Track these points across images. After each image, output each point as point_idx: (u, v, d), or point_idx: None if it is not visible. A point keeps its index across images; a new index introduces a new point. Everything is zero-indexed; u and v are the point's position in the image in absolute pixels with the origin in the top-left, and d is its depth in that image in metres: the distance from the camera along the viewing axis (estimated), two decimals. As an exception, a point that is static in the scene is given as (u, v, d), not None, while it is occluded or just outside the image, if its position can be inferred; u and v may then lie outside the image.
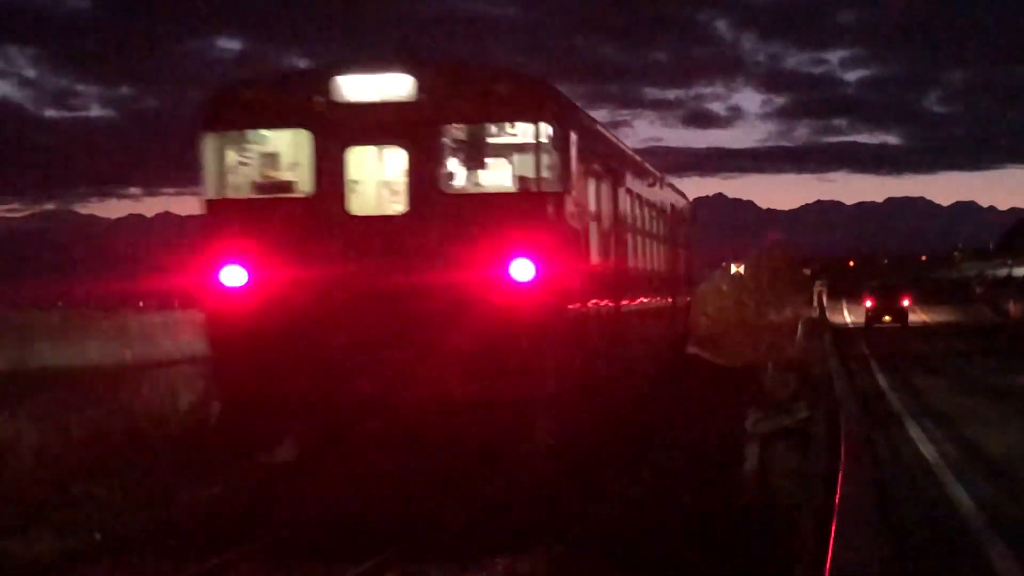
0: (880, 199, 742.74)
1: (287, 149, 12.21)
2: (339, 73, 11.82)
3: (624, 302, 15.64)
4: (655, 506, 12.25)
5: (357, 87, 11.77)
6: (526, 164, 12.02)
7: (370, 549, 10.45)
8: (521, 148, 12.24)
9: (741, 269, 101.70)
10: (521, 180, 12.05)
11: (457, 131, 11.97)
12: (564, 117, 12.09)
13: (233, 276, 11.74)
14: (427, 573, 10.10)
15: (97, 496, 12.67)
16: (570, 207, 12.14)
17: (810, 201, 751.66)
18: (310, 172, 11.80)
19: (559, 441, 11.75)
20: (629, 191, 16.18)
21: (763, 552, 10.09)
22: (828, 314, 61.53)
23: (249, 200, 12.08)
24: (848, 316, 65.29)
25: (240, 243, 11.79)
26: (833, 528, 8.50)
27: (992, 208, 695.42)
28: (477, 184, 12.20)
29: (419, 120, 11.62)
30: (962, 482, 12.38)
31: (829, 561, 7.38)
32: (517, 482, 11.46)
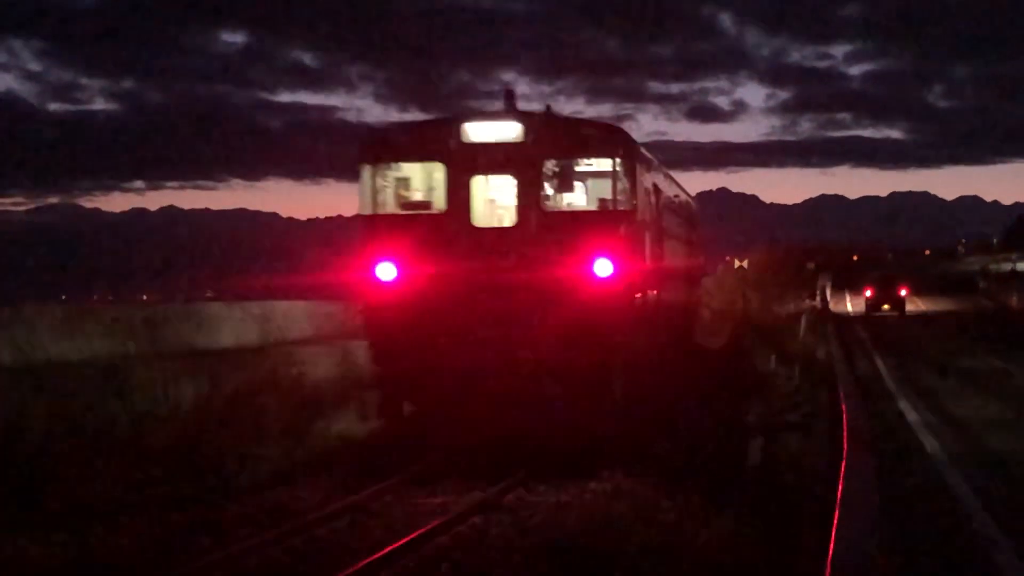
0: (884, 193, 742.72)
1: (425, 177, 16.34)
2: (466, 121, 15.97)
3: (667, 291, 19.85)
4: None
5: (479, 131, 15.89)
6: (603, 189, 16.17)
7: (497, 475, 14.52)
8: (599, 176, 16.40)
9: (745, 264, 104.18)
10: (600, 201, 16.20)
11: (552, 164, 16.08)
12: (631, 153, 16.24)
13: (386, 272, 15.85)
14: (540, 491, 14.18)
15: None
16: (635, 221, 16.29)
17: (814, 195, 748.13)
18: (444, 194, 15.93)
19: (628, 393, 15.94)
20: (668, 203, 20.38)
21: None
22: (832, 305, 65.81)
23: (396, 215, 16.20)
24: (850, 306, 69.45)
25: (390, 247, 15.88)
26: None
27: (996, 203, 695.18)
28: (568, 204, 16.35)
29: (524, 156, 15.76)
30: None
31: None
32: (599, 426, 15.57)
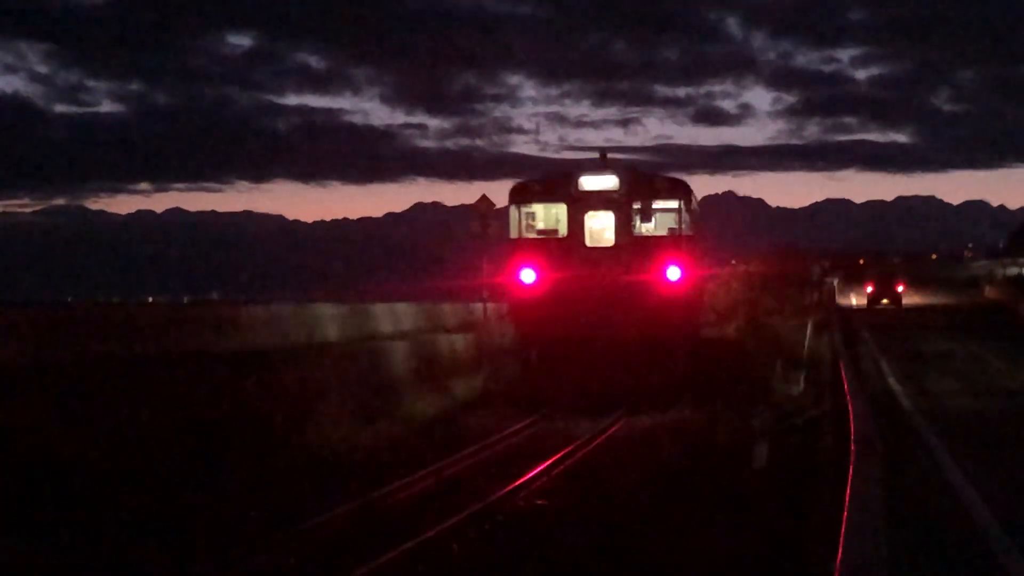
0: (890, 197, 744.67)
1: (553, 213, 24.70)
2: (581, 175, 24.33)
3: (708, 288, 28.25)
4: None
5: (589, 183, 24.27)
6: (671, 220, 24.55)
7: (607, 410, 22.71)
8: (668, 212, 24.75)
9: (751, 267, 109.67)
10: (669, 229, 24.57)
11: (638, 204, 24.42)
12: (688, 197, 24.64)
13: (527, 276, 24.21)
14: (637, 419, 22.35)
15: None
16: (691, 242, 24.67)
17: (820, 199, 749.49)
18: (566, 225, 24.29)
19: (689, 360, 24.32)
20: (700, 225, 28.72)
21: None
22: (838, 298, 74.37)
23: (534, 239, 24.58)
24: (854, 301, 77.80)
25: (530, 259, 24.22)
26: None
27: (1003, 207, 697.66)
28: (647, 230, 24.70)
29: (619, 198, 24.11)
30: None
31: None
32: (671, 378, 23.85)
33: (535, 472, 15.95)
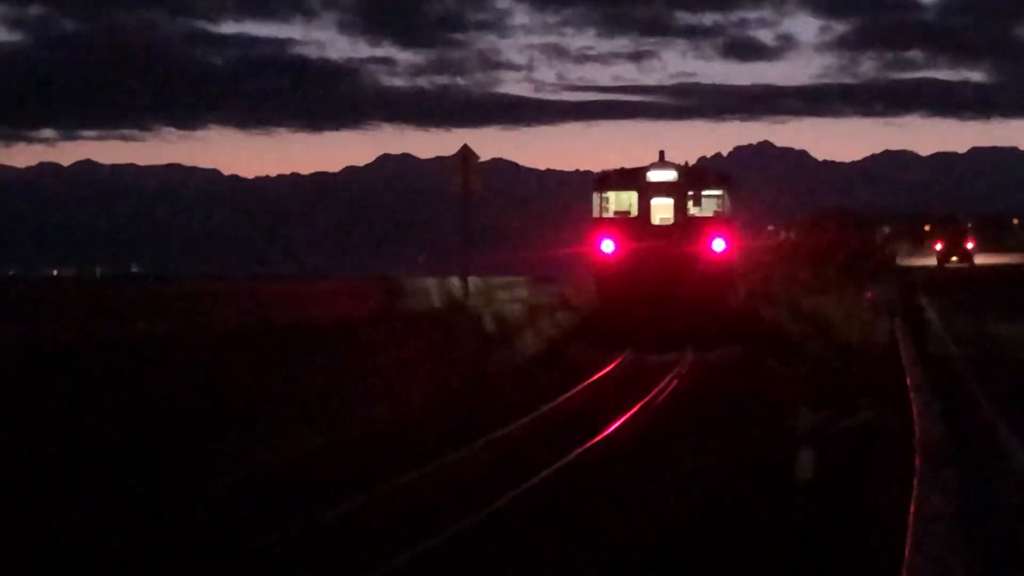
0: (963, 149, 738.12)
1: (627, 198, 40.66)
2: (648, 170, 40.34)
3: (747, 256, 44.47)
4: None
5: (655, 175, 40.26)
6: (717, 204, 40.58)
7: (675, 347, 38.44)
8: (714, 198, 40.74)
9: (792, 234, 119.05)
10: (715, 211, 40.59)
11: (691, 192, 40.38)
12: (731, 185, 40.76)
13: (608, 246, 40.15)
14: (701, 352, 38.04)
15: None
16: (732, 221, 40.76)
17: (877, 151, 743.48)
18: (637, 207, 40.26)
19: (734, 309, 40.43)
20: (737, 206, 44.77)
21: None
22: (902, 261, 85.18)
23: (612, 218, 40.52)
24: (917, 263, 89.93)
25: (609, 233, 40.15)
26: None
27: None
28: (699, 212, 40.66)
29: (678, 187, 40.15)
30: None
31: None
32: (722, 325, 39.68)
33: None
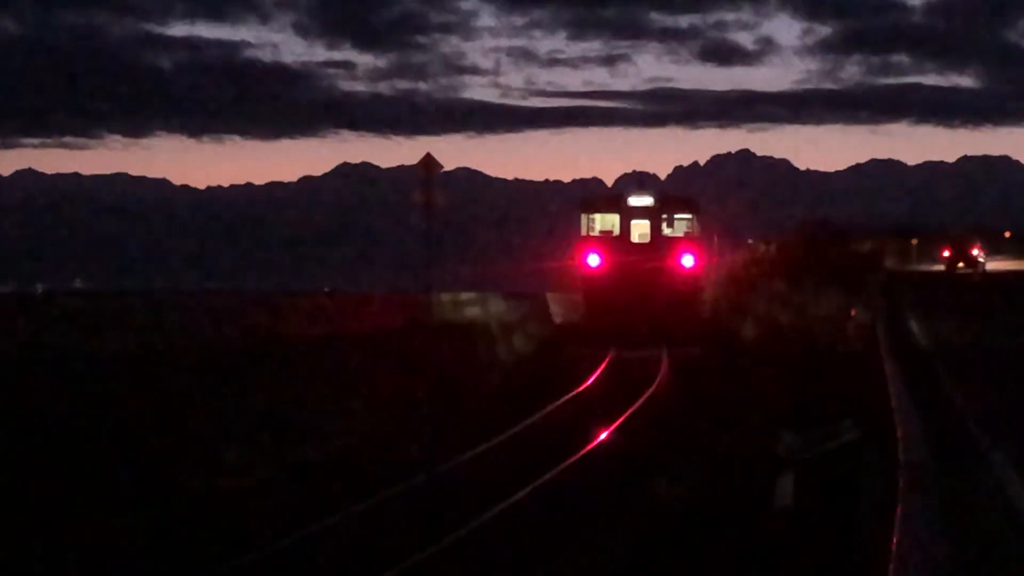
0: (952, 158, 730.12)
1: (609, 219, 51.01)
2: (629, 196, 50.67)
3: (713, 272, 54.89)
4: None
5: (635, 200, 50.61)
6: (688, 225, 51.00)
7: (651, 345, 48.62)
8: (685, 221, 51.19)
9: (772, 247, 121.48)
10: (685, 232, 50.98)
11: (665, 215, 50.73)
12: (700, 210, 51.22)
13: (593, 260, 50.46)
14: (669, 352, 48.23)
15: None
16: (700, 241, 51.19)
17: (862, 160, 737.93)
18: (618, 227, 50.60)
19: (700, 316, 50.77)
20: (707, 226, 55.22)
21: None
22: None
23: (595, 236, 50.85)
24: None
25: (593, 249, 50.46)
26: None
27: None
28: (671, 232, 51.06)
29: (654, 211, 50.51)
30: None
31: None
32: (687, 331, 50.01)
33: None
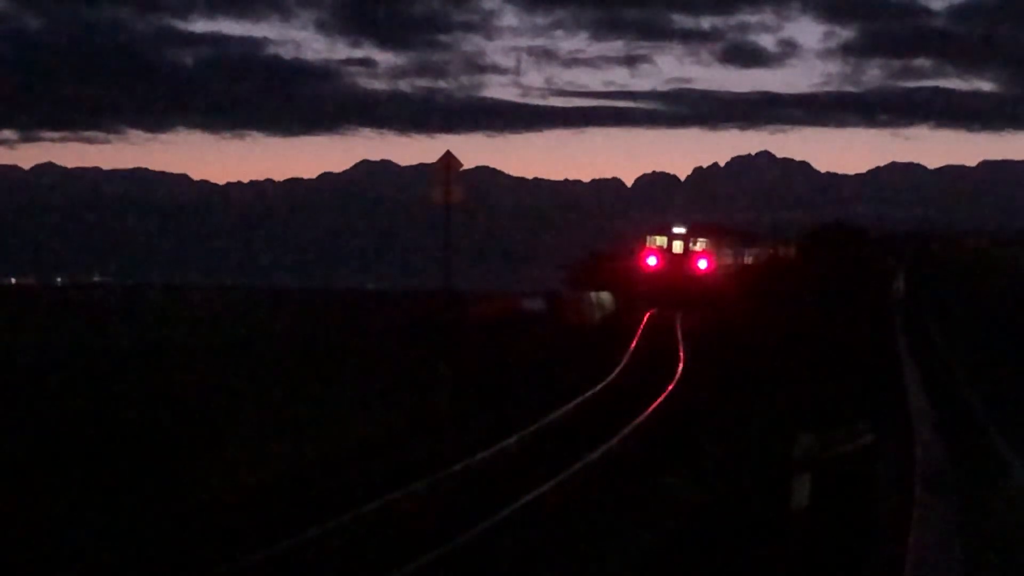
0: (972, 162, 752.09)
1: (660, 239, 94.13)
2: (673, 226, 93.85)
3: (729, 274, 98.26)
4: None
5: (675, 229, 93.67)
6: (705, 244, 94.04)
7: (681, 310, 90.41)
8: (703, 241, 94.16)
9: (791, 251, 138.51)
10: (704, 248, 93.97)
11: (692, 237, 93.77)
12: (713, 235, 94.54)
13: (652, 261, 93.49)
14: (699, 322, 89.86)
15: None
16: (716, 253, 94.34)
17: (882, 163, 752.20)
18: (666, 244, 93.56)
19: (708, 299, 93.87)
20: (727, 244, 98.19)
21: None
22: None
23: (652, 247, 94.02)
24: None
25: (653, 255, 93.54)
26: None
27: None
28: (695, 248, 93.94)
29: (686, 236, 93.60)
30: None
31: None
32: (698, 302, 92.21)
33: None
